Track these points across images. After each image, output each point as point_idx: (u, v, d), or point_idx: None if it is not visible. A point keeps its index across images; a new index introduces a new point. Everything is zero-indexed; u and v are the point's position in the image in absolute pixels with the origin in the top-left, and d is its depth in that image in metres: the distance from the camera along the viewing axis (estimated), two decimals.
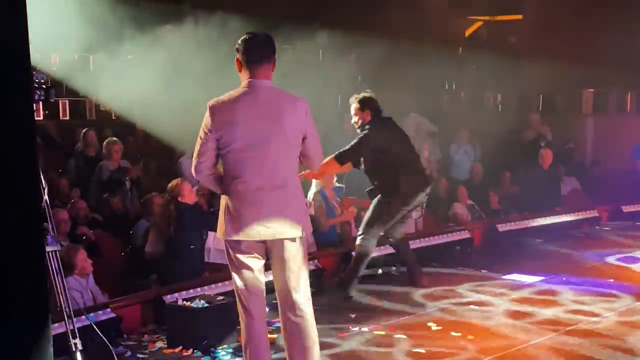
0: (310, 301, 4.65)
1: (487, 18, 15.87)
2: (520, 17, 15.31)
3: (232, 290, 6.14)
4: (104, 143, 9.43)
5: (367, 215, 7.20)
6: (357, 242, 7.17)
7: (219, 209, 4.63)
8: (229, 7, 9.88)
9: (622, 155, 12.13)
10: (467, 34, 16.10)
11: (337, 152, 7.03)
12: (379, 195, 7.13)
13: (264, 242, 4.54)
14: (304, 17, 10.94)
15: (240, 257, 4.55)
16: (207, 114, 4.48)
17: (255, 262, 4.58)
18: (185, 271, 7.04)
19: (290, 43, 10.96)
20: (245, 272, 4.57)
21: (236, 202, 4.47)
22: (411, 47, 13.20)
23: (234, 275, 4.63)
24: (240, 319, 4.69)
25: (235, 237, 4.49)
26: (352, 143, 7.09)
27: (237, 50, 4.54)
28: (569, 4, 13.69)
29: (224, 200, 4.57)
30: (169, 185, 7.34)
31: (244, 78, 4.54)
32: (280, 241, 4.50)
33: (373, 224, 7.11)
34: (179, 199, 7.17)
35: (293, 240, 4.51)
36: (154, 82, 9.15)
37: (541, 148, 10.87)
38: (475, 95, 15.05)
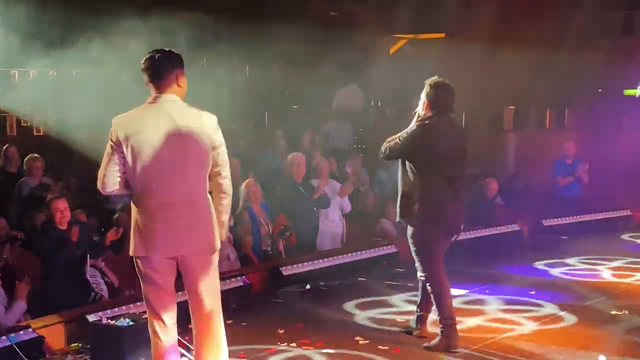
0: (221, 320, 4.64)
1: (411, 36, 16.11)
2: (443, 35, 15.61)
3: None
4: (25, 159, 9.22)
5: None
6: None
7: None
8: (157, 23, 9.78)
9: (542, 170, 12.45)
10: (391, 51, 16.31)
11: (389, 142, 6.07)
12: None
13: (174, 258, 4.51)
14: (228, 32, 10.92)
15: (151, 273, 4.53)
16: (112, 129, 4.46)
17: (166, 278, 4.56)
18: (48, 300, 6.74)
19: (212, 58, 10.92)
20: (156, 288, 4.56)
21: (145, 218, 4.45)
22: (337, 63, 13.33)
23: (145, 290, 4.61)
24: (150, 334, 4.65)
25: (144, 254, 4.48)
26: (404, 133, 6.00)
27: (142, 69, 4.54)
28: (489, 23, 14.04)
29: (133, 216, 4.55)
30: (47, 198, 7.20)
31: (151, 94, 4.55)
32: (190, 257, 4.48)
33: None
34: (49, 215, 7.00)
35: (203, 256, 4.50)
36: (76, 97, 9.00)
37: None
38: (401, 113, 15.24)
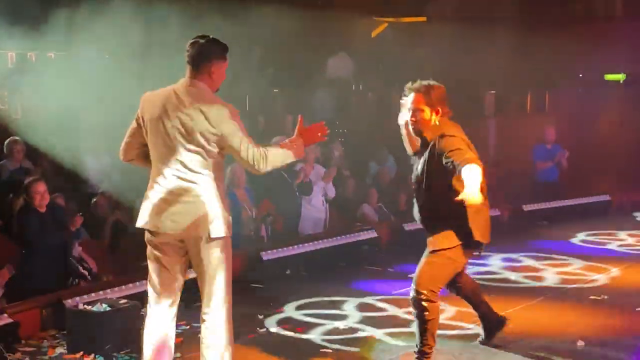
0: (220, 307, 4.51)
1: (392, 19, 16.08)
2: (424, 19, 15.59)
3: (136, 294, 6.02)
4: (6, 142, 9.11)
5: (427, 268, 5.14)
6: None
7: None
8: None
9: (522, 155, 12.47)
10: (373, 34, 16.27)
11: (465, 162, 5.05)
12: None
13: (180, 240, 4.49)
14: (208, 14, 10.84)
15: (155, 251, 4.53)
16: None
17: (171, 260, 4.53)
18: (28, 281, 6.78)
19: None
20: (159, 267, 4.54)
21: (150, 192, 4.51)
22: (318, 46, 13.27)
23: (149, 269, 4.60)
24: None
25: (142, 225, 4.53)
26: (453, 146, 5.16)
27: (186, 49, 4.58)
28: (470, 7, 14.04)
29: None
30: (25, 181, 7.13)
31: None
32: (193, 239, 4.45)
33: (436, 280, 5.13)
34: (28, 198, 6.93)
35: (202, 239, 4.44)
36: (55, 80, 8.91)
37: None
38: (382, 96, 15.22)
